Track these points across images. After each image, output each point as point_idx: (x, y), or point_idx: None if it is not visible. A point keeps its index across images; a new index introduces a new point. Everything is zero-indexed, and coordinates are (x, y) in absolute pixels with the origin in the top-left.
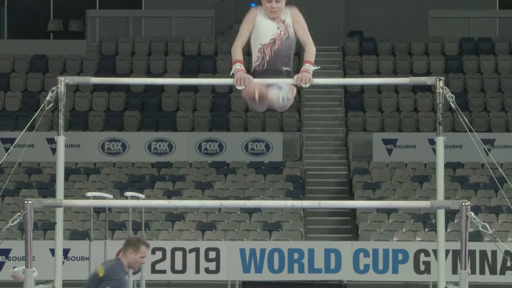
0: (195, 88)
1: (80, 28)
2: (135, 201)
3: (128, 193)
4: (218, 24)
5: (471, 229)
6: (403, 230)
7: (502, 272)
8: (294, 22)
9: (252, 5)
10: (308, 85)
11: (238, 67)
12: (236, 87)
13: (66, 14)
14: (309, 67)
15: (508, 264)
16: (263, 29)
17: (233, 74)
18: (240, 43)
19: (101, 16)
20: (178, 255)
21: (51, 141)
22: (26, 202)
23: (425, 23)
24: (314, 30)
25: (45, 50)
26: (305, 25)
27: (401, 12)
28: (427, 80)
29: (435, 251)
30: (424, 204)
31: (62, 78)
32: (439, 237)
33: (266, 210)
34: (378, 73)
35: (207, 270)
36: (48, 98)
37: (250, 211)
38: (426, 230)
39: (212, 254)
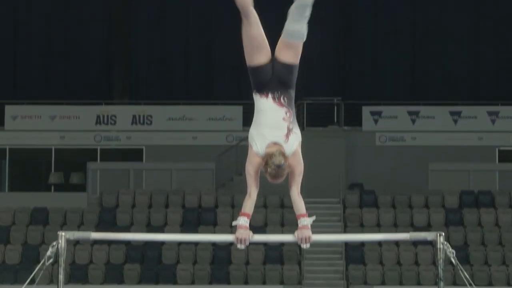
0: (195, 241)
1: (81, 181)
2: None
3: None
4: (218, 176)
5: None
6: None
7: None
8: (290, 168)
9: None
10: (309, 245)
11: (243, 222)
12: (237, 246)
13: (67, 167)
14: (306, 222)
15: None
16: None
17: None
18: (252, 193)
19: (102, 168)
20: None
21: None
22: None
23: (425, 176)
24: (315, 182)
25: (46, 203)
26: (298, 173)
27: (401, 165)
28: (428, 235)
29: None
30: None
31: (63, 233)
32: None
33: None
34: (378, 226)
35: None
36: (48, 253)
37: None
38: None
39: None
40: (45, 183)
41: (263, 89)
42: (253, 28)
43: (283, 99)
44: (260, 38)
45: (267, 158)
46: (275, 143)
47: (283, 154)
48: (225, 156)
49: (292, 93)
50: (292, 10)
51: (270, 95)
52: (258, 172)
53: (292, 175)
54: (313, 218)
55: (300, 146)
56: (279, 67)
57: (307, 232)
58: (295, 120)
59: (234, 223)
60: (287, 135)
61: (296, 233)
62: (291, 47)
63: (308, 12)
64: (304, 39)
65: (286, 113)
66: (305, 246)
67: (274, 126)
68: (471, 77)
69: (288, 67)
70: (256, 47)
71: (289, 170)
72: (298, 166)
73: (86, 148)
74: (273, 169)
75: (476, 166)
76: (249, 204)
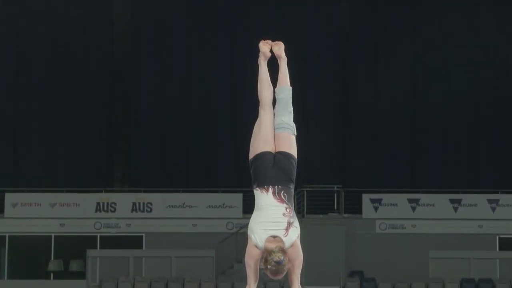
0: None
1: (81, 268)
2: None
3: None
4: (218, 264)
5: None
6: None
7: None
8: (289, 260)
9: None
10: None
11: None
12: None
13: (67, 254)
14: None
15: None
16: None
17: None
18: (252, 287)
19: (102, 256)
20: None
21: None
22: None
23: (425, 263)
24: (315, 270)
25: None
26: (298, 265)
27: (401, 253)
28: None
29: None
30: None
31: None
32: None
33: None
34: None
35: None
36: None
37: None
38: None
39: None
40: (45, 270)
41: (263, 182)
42: (267, 120)
43: (283, 195)
44: (269, 131)
45: (266, 255)
46: (275, 237)
47: (282, 251)
48: (225, 244)
49: (292, 188)
50: (276, 109)
51: (270, 190)
52: (257, 264)
53: (292, 268)
54: None
55: (299, 238)
56: (279, 156)
57: None
58: (295, 215)
59: None
60: (287, 229)
61: None
62: (285, 139)
63: (290, 108)
64: (295, 133)
65: (286, 209)
66: None
67: (274, 221)
68: (471, 165)
69: (287, 155)
70: (263, 138)
71: (289, 266)
72: (298, 258)
73: (85, 235)
74: (273, 265)
75: (476, 254)
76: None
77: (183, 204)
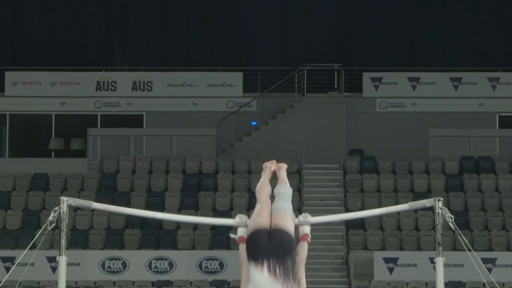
0: (195, 207)
1: (82, 147)
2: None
3: None
4: (219, 143)
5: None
6: None
7: None
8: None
9: (252, 123)
10: None
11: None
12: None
13: (67, 133)
14: None
15: None
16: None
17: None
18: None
19: (102, 134)
20: None
21: (52, 259)
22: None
23: (425, 142)
24: (315, 148)
25: (46, 169)
26: (302, 260)
27: (401, 131)
28: (426, 202)
29: None
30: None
31: (65, 199)
32: None
33: None
34: (378, 192)
35: None
36: (50, 218)
37: None
38: None
39: None
40: (45, 149)
41: (258, 256)
42: (263, 212)
43: (279, 268)
44: (267, 215)
45: None
46: None
47: None
48: (225, 122)
49: (289, 262)
50: (276, 200)
51: (265, 265)
52: None
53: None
54: None
55: None
56: (275, 231)
57: None
58: None
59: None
60: None
61: None
62: (282, 217)
63: (289, 202)
64: (294, 217)
65: (282, 286)
66: None
67: None
68: (471, 43)
69: (283, 232)
70: (260, 218)
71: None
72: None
73: (86, 114)
74: None
75: (476, 132)
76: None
77: (183, 83)
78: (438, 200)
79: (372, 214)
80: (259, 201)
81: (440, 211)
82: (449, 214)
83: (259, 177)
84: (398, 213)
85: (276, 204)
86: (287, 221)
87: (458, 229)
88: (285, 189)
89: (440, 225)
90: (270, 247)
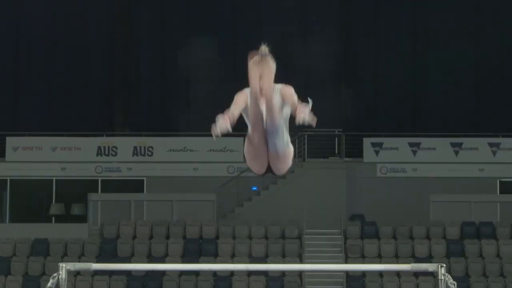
0: (196, 272)
1: (82, 212)
2: None
3: None
4: (219, 208)
5: None
6: None
7: None
8: (286, 98)
9: (253, 188)
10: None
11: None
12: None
13: (68, 198)
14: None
15: None
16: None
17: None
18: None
19: (103, 200)
20: None
21: None
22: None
23: (426, 207)
24: (316, 213)
25: (46, 234)
26: (294, 96)
27: (402, 196)
28: (429, 267)
29: None
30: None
31: (63, 265)
32: None
33: None
34: (379, 257)
35: None
36: (49, 284)
37: None
38: None
39: None
40: (46, 214)
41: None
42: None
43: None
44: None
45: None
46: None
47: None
48: (226, 187)
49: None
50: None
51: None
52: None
53: (288, 97)
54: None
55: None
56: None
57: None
58: None
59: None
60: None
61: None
62: (278, 158)
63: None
64: (289, 150)
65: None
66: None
67: None
68: (471, 108)
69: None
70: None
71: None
72: (289, 89)
73: (87, 179)
74: (258, 55)
75: (477, 197)
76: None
77: (184, 148)
78: (441, 266)
79: (373, 269)
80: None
81: (443, 278)
82: (452, 280)
83: (260, 243)
84: (399, 279)
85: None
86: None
87: None
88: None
89: None
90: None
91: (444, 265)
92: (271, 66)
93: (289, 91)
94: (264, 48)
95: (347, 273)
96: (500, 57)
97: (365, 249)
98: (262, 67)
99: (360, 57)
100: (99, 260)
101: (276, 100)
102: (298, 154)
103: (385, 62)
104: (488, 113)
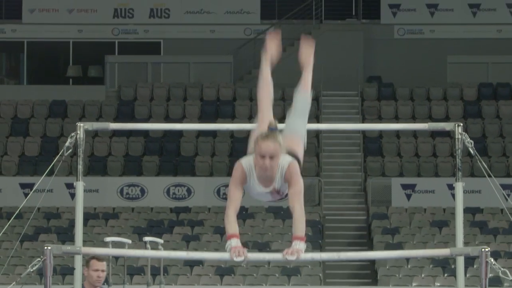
0: (213, 133)
1: (99, 74)
2: (154, 251)
3: (146, 238)
4: (236, 70)
5: (491, 275)
6: (422, 276)
7: None
8: (288, 184)
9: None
10: (294, 257)
11: (234, 244)
12: (234, 259)
13: (85, 60)
14: (299, 245)
15: None
16: (255, 193)
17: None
18: (233, 211)
19: (120, 61)
20: None
21: (70, 186)
22: (45, 248)
23: (443, 68)
24: (333, 75)
25: (64, 96)
26: (299, 187)
27: (419, 58)
28: (446, 126)
29: None
30: (444, 252)
31: (81, 124)
32: (458, 283)
33: None
34: (396, 118)
35: None
36: (67, 144)
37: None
38: (446, 275)
39: None
40: (63, 76)
41: None
42: (263, 124)
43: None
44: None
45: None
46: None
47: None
48: (243, 50)
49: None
50: (294, 96)
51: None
52: (242, 187)
53: (293, 197)
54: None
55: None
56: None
57: (297, 248)
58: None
59: (226, 248)
60: None
61: (285, 250)
62: (292, 142)
63: (305, 113)
64: (304, 137)
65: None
66: (290, 257)
67: None
68: None
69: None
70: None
71: (289, 191)
72: (297, 186)
73: (104, 41)
74: (265, 133)
75: (494, 58)
76: (232, 221)
77: (201, 10)
78: (458, 125)
79: (390, 128)
80: (260, 110)
81: (460, 137)
82: (469, 139)
83: (278, 104)
84: (416, 140)
85: (289, 120)
86: (298, 146)
87: (477, 154)
88: (303, 99)
89: (459, 150)
90: None
91: (461, 124)
92: (277, 146)
93: (294, 175)
94: (273, 122)
95: (364, 134)
96: None
97: (382, 111)
98: (267, 144)
99: None
100: (116, 121)
101: (279, 185)
102: (315, 16)
103: None
104: None
